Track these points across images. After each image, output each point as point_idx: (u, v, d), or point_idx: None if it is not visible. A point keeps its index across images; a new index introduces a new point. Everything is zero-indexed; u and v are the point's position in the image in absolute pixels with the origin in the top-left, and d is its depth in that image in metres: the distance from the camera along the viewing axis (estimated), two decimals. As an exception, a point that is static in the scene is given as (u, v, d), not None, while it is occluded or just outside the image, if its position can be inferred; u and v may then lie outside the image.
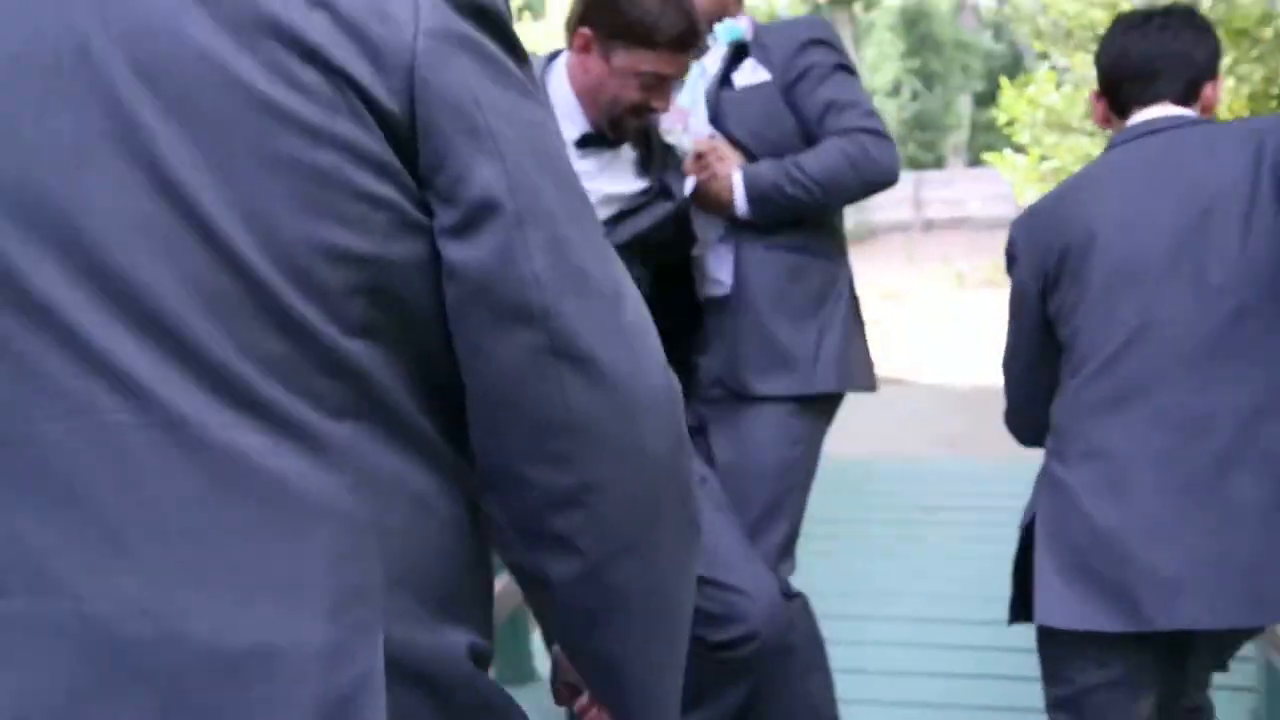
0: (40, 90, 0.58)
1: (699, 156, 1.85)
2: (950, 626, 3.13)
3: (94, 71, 0.57)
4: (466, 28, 0.62)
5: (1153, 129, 1.69)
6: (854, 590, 3.39)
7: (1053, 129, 6.22)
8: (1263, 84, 5.05)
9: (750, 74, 1.90)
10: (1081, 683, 1.63)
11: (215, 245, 0.56)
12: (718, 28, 1.90)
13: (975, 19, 21.57)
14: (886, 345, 8.68)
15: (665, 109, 1.73)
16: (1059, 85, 6.32)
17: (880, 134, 1.87)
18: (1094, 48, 5.98)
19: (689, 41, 1.67)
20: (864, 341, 2.02)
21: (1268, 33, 5.19)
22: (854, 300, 2.00)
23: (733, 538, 1.79)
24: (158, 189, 0.57)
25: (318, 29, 0.58)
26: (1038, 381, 1.75)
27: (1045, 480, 1.67)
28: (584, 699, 0.80)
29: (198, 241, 0.56)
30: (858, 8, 22.13)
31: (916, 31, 23.54)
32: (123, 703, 0.54)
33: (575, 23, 1.70)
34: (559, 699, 0.84)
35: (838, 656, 2.05)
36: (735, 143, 1.89)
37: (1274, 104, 5.07)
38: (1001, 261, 1.87)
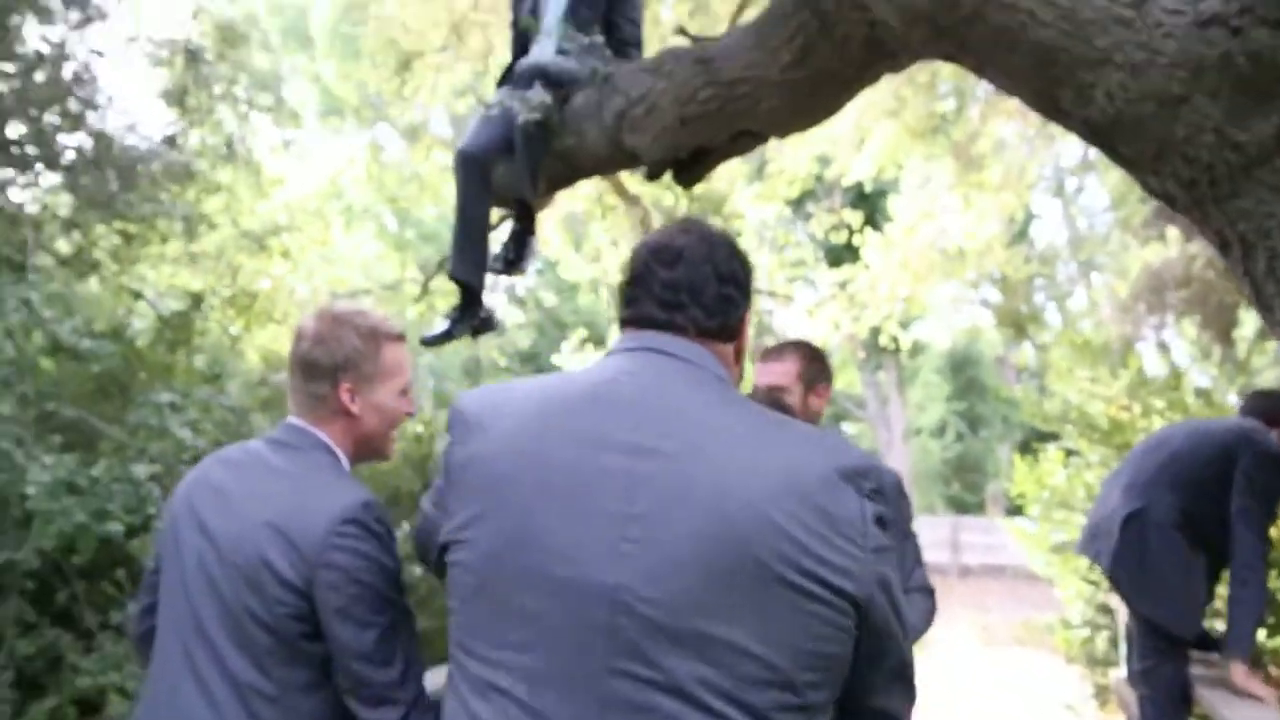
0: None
1: None
2: None
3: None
4: (884, 539, 1.10)
5: None
6: None
7: (1058, 506, 6.32)
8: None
9: None
10: None
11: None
12: None
13: (1014, 373, 22.47)
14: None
15: None
16: (1066, 465, 6.39)
17: None
18: (1095, 435, 6.49)
19: None
20: None
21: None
22: None
23: None
24: None
25: (823, 559, 1.08)
26: None
27: None
28: None
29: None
30: (903, 355, 23.23)
31: (963, 376, 24.42)
32: None
33: None
34: None
35: None
36: None
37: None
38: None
